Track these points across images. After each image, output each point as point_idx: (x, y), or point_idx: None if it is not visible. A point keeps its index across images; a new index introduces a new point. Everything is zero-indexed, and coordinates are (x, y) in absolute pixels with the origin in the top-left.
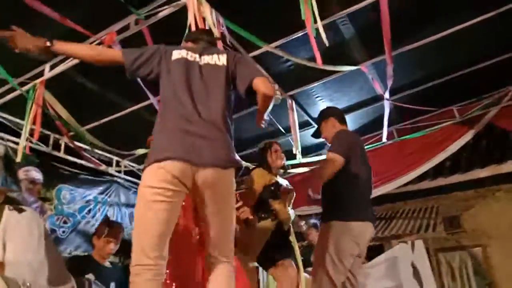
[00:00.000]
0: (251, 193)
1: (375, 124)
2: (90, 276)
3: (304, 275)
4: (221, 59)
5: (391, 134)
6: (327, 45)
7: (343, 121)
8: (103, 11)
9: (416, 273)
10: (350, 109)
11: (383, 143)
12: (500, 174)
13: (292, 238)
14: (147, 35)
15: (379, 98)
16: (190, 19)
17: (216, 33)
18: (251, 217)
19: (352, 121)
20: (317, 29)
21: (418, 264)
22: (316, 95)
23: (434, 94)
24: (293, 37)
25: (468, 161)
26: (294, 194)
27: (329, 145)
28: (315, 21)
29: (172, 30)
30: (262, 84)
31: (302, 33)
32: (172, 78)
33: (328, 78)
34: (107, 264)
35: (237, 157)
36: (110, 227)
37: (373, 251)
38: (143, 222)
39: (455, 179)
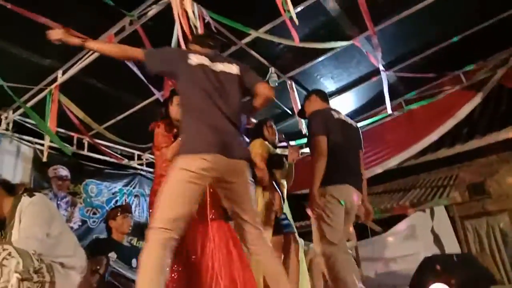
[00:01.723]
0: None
1: (382, 97)
2: (112, 254)
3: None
4: (234, 68)
5: (400, 106)
6: (296, 22)
7: (324, 99)
8: (98, 17)
9: (437, 240)
10: (353, 84)
11: (390, 115)
12: None
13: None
14: (141, 33)
15: (379, 71)
16: (175, 15)
17: (196, 23)
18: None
19: (358, 96)
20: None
21: (439, 230)
22: (316, 74)
23: (439, 61)
24: (281, 20)
25: (484, 126)
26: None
27: None
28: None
29: (163, 26)
30: (266, 88)
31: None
32: (193, 81)
33: (324, 56)
34: (126, 243)
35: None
36: (121, 206)
37: (391, 221)
38: (175, 194)
39: (474, 144)
